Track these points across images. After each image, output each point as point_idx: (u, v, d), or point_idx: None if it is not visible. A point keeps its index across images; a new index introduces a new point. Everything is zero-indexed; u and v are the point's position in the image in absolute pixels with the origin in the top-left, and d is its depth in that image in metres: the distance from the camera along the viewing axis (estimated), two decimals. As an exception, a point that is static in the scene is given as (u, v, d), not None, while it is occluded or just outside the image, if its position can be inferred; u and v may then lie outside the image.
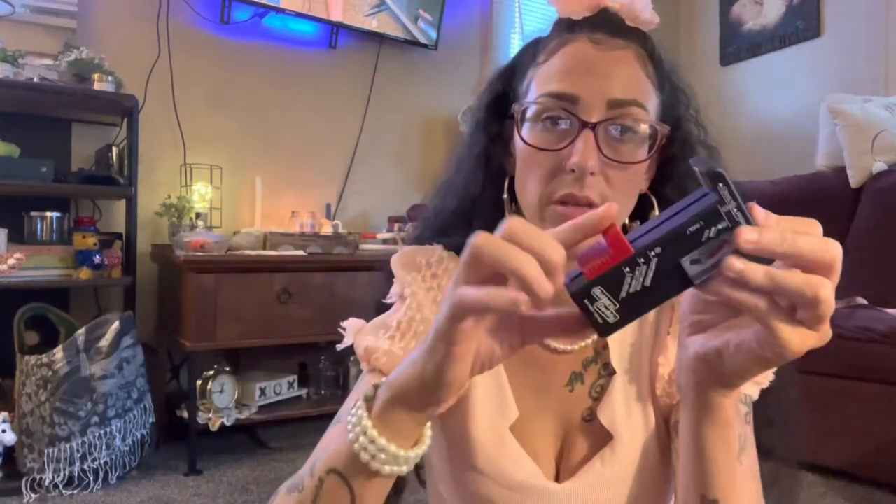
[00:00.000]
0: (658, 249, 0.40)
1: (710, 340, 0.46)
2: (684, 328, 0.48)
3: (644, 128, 0.61)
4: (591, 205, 0.59)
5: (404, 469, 0.49)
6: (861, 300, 2.22)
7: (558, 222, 0.55)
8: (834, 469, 1.95)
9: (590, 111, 0.59)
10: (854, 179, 2.66)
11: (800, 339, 0.40)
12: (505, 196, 0.68)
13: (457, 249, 0.70)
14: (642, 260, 0.41)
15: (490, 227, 0.65)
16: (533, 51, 0.66)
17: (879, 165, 2.59)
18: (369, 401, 0.49)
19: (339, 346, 0.70)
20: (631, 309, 0.42)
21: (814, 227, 0.41)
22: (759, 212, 0.40)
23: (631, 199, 0.64)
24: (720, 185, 0.39)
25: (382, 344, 0.65)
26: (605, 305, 0.42)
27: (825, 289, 0.38)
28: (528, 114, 0.62)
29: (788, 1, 3.23)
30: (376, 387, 0.50)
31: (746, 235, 0.38)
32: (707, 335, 0.46)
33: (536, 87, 0.63)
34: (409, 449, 0.48)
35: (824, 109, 2.79)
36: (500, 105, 0.70)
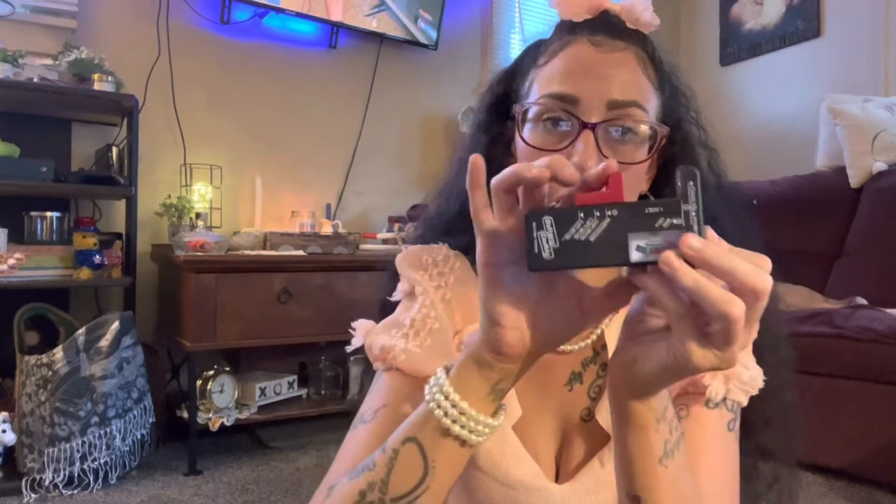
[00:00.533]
0: (614, 212, 0.42)
1: (632, 347, 0.47)
2: (621, 334, 0.49)
3: (644, 129, 0.61)
4: None
5: (473, 437, 0.49)
6: (861, 300, 2.22)
7: None
8: (834, 469, 1.95)
9: (590, 112, 0.59)
10: (854, 179, 2.66)
11: (702, 355, 0.41)
12: None
13: (461, 248, 0.71)
14: (598, 213, 0.42)
15: None
16: (534, 53, 0.67)
17: (879, 165, 2.59)
18: (448, 368, 0.51)
19: (349, 348, 0.71)
20: (566, 255, 0.42)
21: (762, 261, 0.42)
22: (711, 233, 0.41)
23: (631, 200, 0.64)
24: (690, 183, 0.41)
25: (398, 342, 0.65)
26: (546, 239, 0.42)
27: (739, 308, 0.39)
28: (529, 114, 0.63)
29: (788, 1, 3.23)
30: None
31: (691, 241, 0.39)
32: (632, 342, 0.47)
33: (537, 89, 0.63)
34: (481, 412, 0.49)
35: (824, 109, 2.79)
36: (501, 107, 0.70)
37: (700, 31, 3.66)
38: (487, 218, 0.46)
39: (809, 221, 2.73)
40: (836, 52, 3.05)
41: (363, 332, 0.69)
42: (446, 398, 0.49)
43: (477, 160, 0.46)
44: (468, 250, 0.70)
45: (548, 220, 0.42)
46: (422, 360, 0.64)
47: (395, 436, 0.52)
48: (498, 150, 0.70)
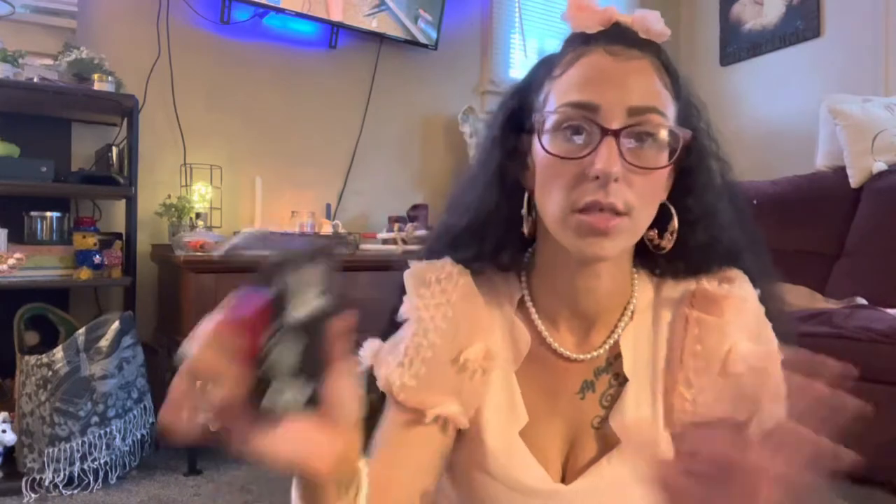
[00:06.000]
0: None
1: None
2: None
3: (664, 133, 0.61)
4: (615, 211, 0.59)
5: None
6: (861, 300, 2.22)
7: (581, 232, 0.60)
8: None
9: (610, 119, 0.60)
10: (854, 179, 2.65)
11: None
12: (524, 211, 0.69)
13: (466, 261, 0.71)
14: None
15: (503, 241, 0.70)
16: (547, 66, 0.67)
17: (879, 165, 2.59)
18: None
19: (360, 366, 0.72)
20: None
21: None
22: None
23: (653, 207, 0.64)
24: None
25: (396, 375, 0.67)
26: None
27: None
28: (548, 124, 0.63)
29: (788, 1, 3.23)
30: None
31: None
32: None
33: (555, 99, 0.63)
34: None
35: (824, 109, 2.79)
36: (515, 121, 0.70)
37: (700, 31, 3.65)
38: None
39: (809, 221, 2.73)
40: (836, 52, 3.05)
41: (371, 353, 0.71)
42: None
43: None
44: (472, 264, 0.71)
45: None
46: (417, 391, 0.66)
47: None
48: (512, 166, 0.70)
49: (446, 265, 0.72)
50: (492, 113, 0.74)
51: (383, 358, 0.70)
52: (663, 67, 0.64)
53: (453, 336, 0.68)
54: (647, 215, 0.63)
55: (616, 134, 0.59)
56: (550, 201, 0.63)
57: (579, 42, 0.64)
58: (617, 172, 0.58)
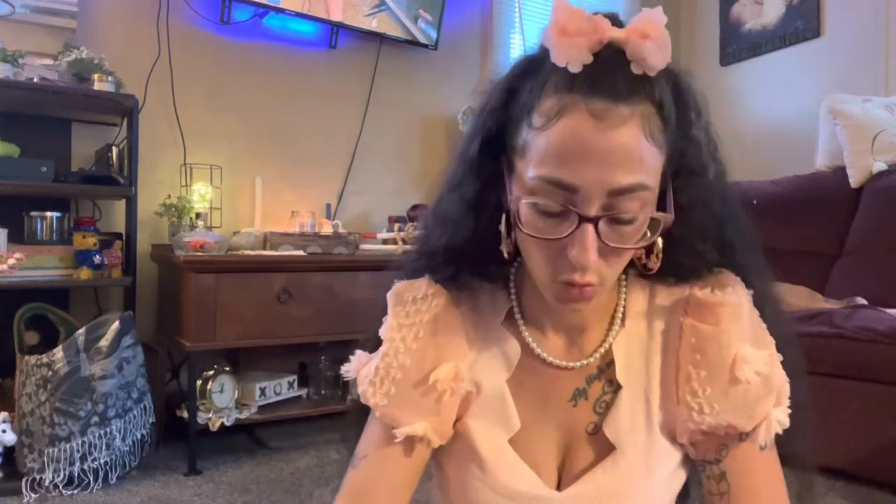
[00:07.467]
0: None
1: None
2: None
3: (644, 217, 0.59)
4: (591, 286, 0.60)
5: None
6: (861, 300, 2.22)
7: (560, 299, 0.61)
8: (834, 469, 1.95)
9: (589, 202, 0.56)
10: (854, 179, 2.66)
11: None
12: (502, 228, 0.66)
13: (445, 280, 0.72)
14: None
15: (483, 258, 0.70)
16: (528, 97, 0.60)
17: (879, 165, 2.59)
18: None
19: (345, 376, 0.75)
20: None
21: None
22: None
23: (625, 263, 0.63)
24: None
25: (370, 395, 0.70)
26: None
27: None
28: (525, 194, 0.60)
29: (788, 1, 3.23)
30: None
31: None
32: None
33: (533, 160, 0.59)
34: None
35: (824, 109, 2.79)
36: (493, 144, 0.66)
37: (700, 31, 3.65)
38: None
39: (809, 221, 2.73)
40: (836, 52, 3.05)
41: (357, 366, 0.73)
42: None
43: None
44: (454, 281, 0.72)
45: None
46: (389, 409, 0.68)
47: None
48: (488, 193, 0.67)
49: (423, 285, 0.72)
50: (469, 126, 0.70)
51: (362, 372, 0.72)
52: (655, 110, 0.57)
53: (423, 357, 0.69)
54: (619, 271, 0.63)
55: (594, 221, 0.57)
56: (532, 266, 0.64)
57: (562, 84, 0.56)
58: (593, 259, 0.58)
